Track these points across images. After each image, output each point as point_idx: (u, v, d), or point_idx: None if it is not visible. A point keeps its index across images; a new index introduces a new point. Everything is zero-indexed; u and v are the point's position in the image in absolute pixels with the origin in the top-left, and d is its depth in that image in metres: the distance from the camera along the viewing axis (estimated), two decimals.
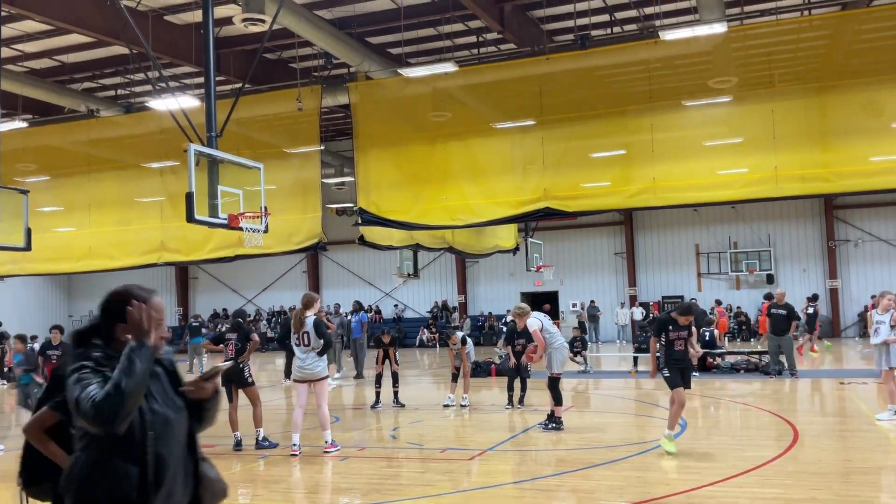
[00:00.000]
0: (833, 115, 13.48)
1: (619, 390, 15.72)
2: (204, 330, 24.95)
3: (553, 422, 10.69)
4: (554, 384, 10.69)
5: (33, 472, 3.61)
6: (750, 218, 31.41)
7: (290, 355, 18.96)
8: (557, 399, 10.69)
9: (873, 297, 13.32)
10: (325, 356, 9.74)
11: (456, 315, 34.30)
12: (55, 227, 17.76)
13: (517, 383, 13.18)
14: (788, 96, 13.77)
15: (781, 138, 13.40)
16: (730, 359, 18.54)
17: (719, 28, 13.27)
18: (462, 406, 13.26)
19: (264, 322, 36.73)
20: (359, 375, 19.04)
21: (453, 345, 13.74)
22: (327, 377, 9.88)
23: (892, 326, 10.79)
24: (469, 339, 14.10)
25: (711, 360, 18.42)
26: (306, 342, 9.54)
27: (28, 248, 13.42)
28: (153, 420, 2.88)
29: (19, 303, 35.32)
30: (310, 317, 9.65)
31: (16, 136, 16.98)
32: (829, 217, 30.82)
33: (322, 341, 9.54)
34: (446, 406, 13.33)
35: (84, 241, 17.54)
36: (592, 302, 32.79)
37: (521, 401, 13.07)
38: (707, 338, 18.18)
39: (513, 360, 12.98)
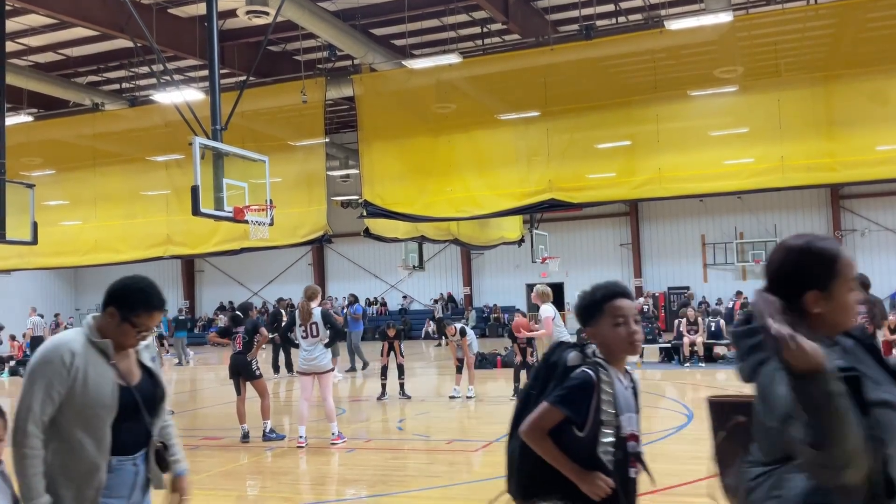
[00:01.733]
0: (839, 104, 13.41)
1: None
2: (222, 321, 25.11)
3: None
4: None
5: (534, 483, 2.83)
6: (756, 208, 31.33)
7: (276, 349, 19.02)
8: None
9: None
10: (330, 348, 9.76)
11: (438, 306, 34.19)
12: (61, 220, 17.79)
13: (523, 374, 13.20)
14: (794, 86, 13.69)
15: (787, 128, 13.34)
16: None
17: (725, 17, 13.19)
18: (468, 398, 13.28)
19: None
20: (352, 368, 19.08)
21: (451, 336, 13.74)
22: (332, 370, 9.89)
23: None
24: (469, 330, 14.11)
25: (718, 350, 18.43)
26: (314, 333, 9.56)
27: (34, 241, 13.45)
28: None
29: (26, 297, 35.42)
30: (316, 308, 9.68)
31: (21, 130, 16.98)
32: (835, 207, 30.73)
33: (329, 332, 9.56)
34: (452, 398, 13.36)
35: (90, 234, 17.57)
36: None
37: None
38: (713, 328, 18.18)
39: (518, 356, 13.06)
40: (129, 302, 3.16)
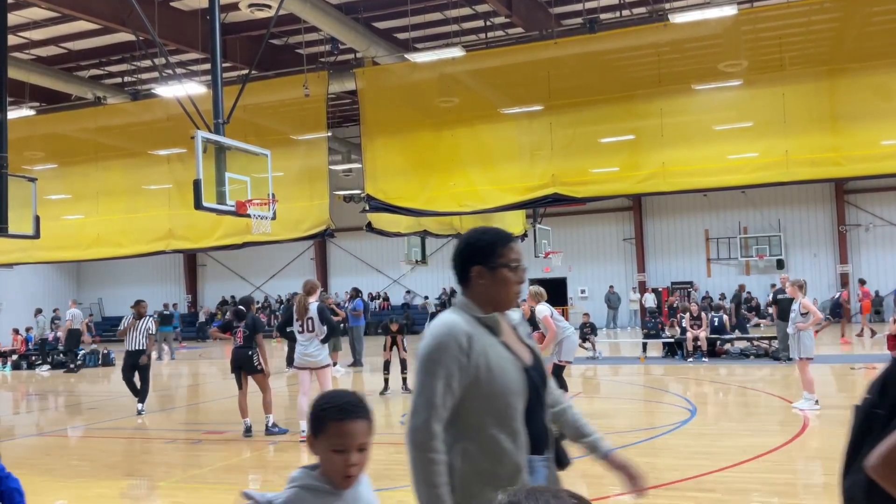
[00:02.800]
0: (844, 98, 13.35)
1: (628, 376, 15.70)
2: (223, 318, 25.10)
3: None
4: (558, 372, 10.66)
5: None
6: (760, 203, 31.26)
7: (291, 343, 19.02)
8: (563, 386, 10.65)
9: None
10: (326, 343, 9.75)
11: (431, 301, 34.06)
12: (63, 214, 17.77)
13: None
14: (799, 80, 13.63)
15: (792, 122, 13.28)
16: (739, 344, 18.49)
17: (729, 11, 13.13)
18: None
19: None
20: (356, 363, 19.02)
21: None
22: (329, 365, 9.89)
23: (802, 314, 10.69)
24: None
25: (721, 345, 18.39)
26: (310, 328, 9.56)
27: (37, 235, 13.43)
28: None
29: (28, 290, 35.47)
30: (313, 303, 9.67)
31: (23, 124, 16.97)
32: (839, 201, 30.64)
33: (325, 328, 9.56)
34: None
35: (92, 228, 17.56)
36: (611, 288, 32.68)
37: None
38: (716, 323, 18.13)
39: None
40: (490, 248, 2.67)
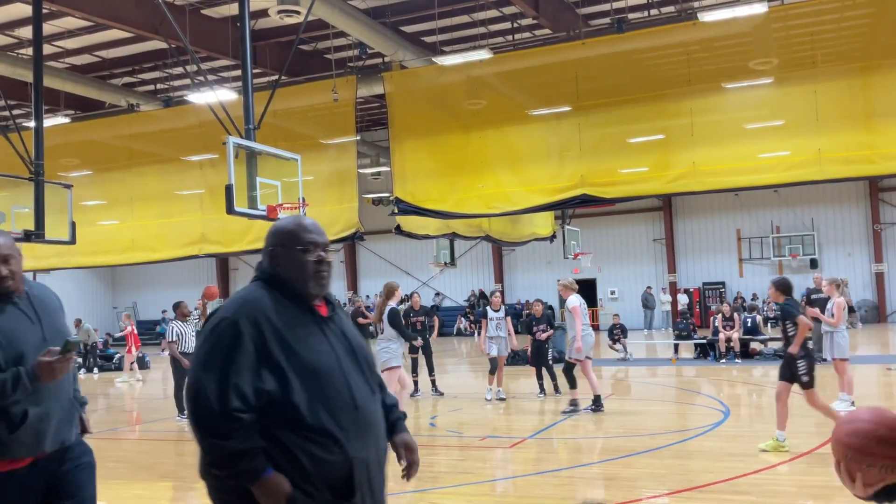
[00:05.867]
0: (878, 95, 13.16)
1: (659, 378, 15.59)
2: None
3: (573, 405, 10.97)
4: (569, 368, 10.95)
5: None
6: (793, 202, 30.85)
7: None
8: (571, 382, 10.99)
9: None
10: (398, 346, 10.00)
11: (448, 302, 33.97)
12: (98, 220, 18.07)
13: (544, 371, 13.11)
14: (832, 77, 13.46)
15: (825, 120, 13.12)
16: (773, 345, 18.27)
17: (759, 8, 13.00)
18: (500, 399, 13.13)
19: None
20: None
21: (496, 310, 13.03)
22: (398, 367, 10.04)
23: (833, 314, 10.51)
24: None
25: (754, 346, 18.19)
26: (381, 332, 9.83)
27: (73, 241, 13.66)
28: None
29: (64, 295, 35.83)
30: (389, 306, 9.94)
31: (58, 132, 17.29)
32: (874, 200, 30.15)
33: (395, 331, 9.85)
34: (488, 400, 13.08)
35: (127, 233, 17.84)
36: (649, 289, 32.41)
37: (556, 389, 12.93)
38: (749, 324, 17.94)
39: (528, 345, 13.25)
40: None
